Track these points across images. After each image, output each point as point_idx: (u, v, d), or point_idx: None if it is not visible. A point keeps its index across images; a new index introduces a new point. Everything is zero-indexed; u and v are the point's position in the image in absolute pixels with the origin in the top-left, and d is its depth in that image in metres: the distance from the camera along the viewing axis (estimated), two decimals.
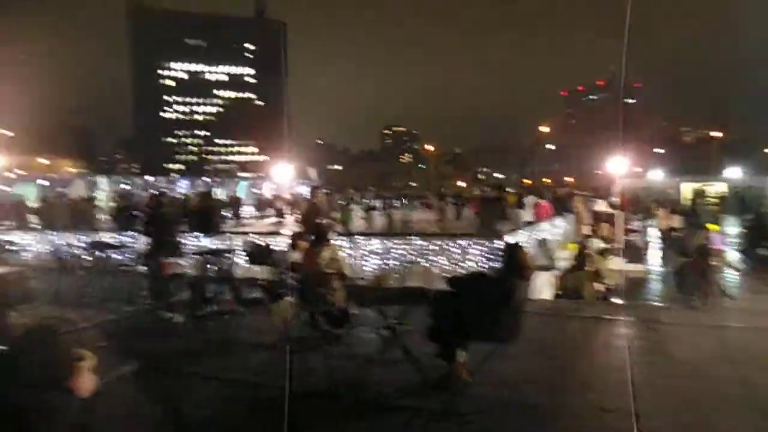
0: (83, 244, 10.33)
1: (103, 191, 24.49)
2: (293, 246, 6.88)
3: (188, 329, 6.58)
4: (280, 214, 17.57)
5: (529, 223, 10.47)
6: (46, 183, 22.46)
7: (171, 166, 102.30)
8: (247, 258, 8.96)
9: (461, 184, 78.95)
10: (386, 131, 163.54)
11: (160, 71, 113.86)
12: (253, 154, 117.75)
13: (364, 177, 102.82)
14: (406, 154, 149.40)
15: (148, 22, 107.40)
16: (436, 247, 8.25)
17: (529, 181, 74.10)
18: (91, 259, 9.43)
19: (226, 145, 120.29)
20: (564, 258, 10.43)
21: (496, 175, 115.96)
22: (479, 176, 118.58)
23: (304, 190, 39.96)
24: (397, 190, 67.24)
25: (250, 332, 5.93)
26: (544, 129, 77.05)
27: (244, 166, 72.75)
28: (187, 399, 4.09)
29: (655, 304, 8.45)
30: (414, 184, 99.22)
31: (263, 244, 9.26)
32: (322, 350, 4.45)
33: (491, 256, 7.95)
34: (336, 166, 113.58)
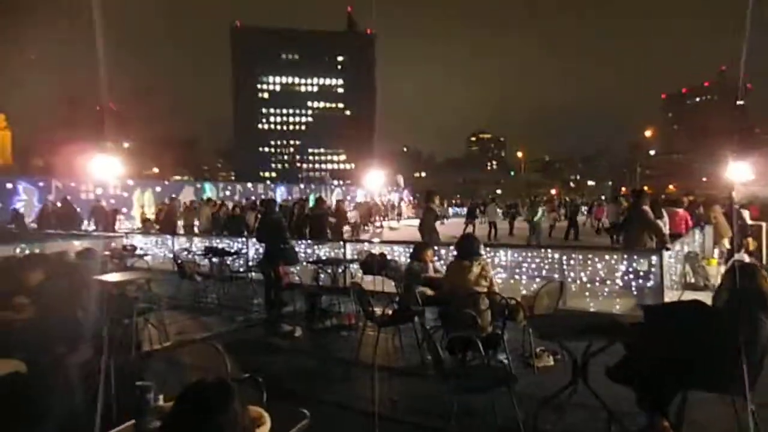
0: (199, 250, 10.43)
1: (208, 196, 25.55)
2: (417, 257, 6.28)
3: (313, 345, 6.16)
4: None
5: (672, 236, 9.16)
6: (159, 189, 23.71)
7: (266, 174, 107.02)
8: (361, 268, 8.54)
9: (552, 192, 75.37)
10: (472, 138, 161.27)
11: (258, 85, 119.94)
12: (342, 162, 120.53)
13: (450, 184, 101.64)
14: (492, 162, 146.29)
15: (248, 38, 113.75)
16: (573, 261, 7.31)
17: (625, 190, 69.32)
18: (206, 264, 9.46)
19: (316, 154, 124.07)
20: (712, 276, 9.02)
21: (589, 183, 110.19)
22: (571, 184, 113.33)
23: (395, 197, 39.94)
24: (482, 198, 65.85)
25: (383, 352, 5.37)
26: (647, 133, 71.75)
27: (334, 174, 74.27)
28: None
29: None
30: (500, 192, 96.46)
31: (377, 253, 8.77)
32: (473, 383, 3.73)
33: (641, 273, 6.90)
34: (422, 174, 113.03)
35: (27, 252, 8.70)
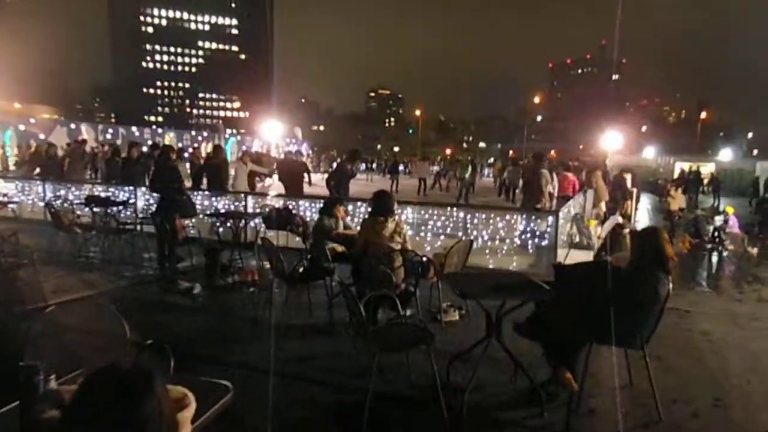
0: (78, 199, 9.35)
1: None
2: (329, 212, 6.08)
3: (215, 303, 5.81)
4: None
5: (562, 198, 9.80)
6: (23, 128, 20.92)
7: (151, 118, 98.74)
8: (264, 222, 8.18)
9: (447, 151, 77.95)
10: (371, 93, 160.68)
11: (140, 17, 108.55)
12: (236, 109, 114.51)
13: (349, 139, 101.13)
14: (391, 118, 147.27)
15: None
16: (477, 220, 7.54)
17: (513, 153, 73.63)
18: (89, 215, 8.51)
19: (208, 99, 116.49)
20: (596, 236, 9.82)
21: (481, 144, 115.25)
22: (464, 145, 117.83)
23: (293, 149, 38.86)
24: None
25: (291, 310, 5.18)
26: (536, 100, 76.08)
27: (227, 122, 70.37)
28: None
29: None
30: (397, 149, 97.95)
31: (282, 207, 8.44)
32: (394, 342, 3.70)
33: (538, 231, 7.31)
34: (320, 127, 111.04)
35: None
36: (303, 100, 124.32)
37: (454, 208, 7.73)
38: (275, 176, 12.18)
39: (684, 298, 6.23)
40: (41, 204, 9.98)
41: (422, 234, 7.76)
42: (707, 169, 34.22)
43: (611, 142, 34.70)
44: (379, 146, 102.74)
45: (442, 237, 7.64)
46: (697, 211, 15.29)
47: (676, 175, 27.21)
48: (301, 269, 5.29)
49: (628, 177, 13.08)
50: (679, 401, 3.59)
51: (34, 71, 64.72)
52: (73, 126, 23.34)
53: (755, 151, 63.26)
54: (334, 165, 14.28)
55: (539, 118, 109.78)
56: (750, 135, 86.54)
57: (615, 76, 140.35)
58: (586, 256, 8.46)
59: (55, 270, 6.59)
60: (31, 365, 1.75)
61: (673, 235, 11.77)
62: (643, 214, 17.26)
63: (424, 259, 5.05)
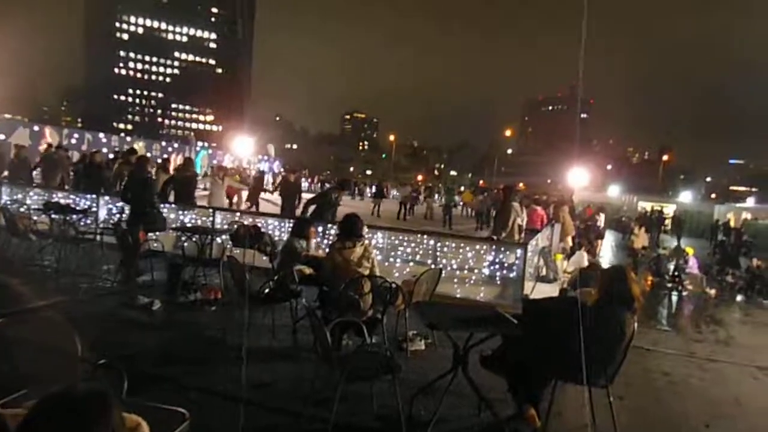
0: (36, 205, 8.98)
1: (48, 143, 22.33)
2: (300, 234, 5.99)
3: (175, 321, 5.59)
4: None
5: (531, 231, 9.94)
6: None
7: (120, 125, 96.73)
8: (231, 239, 8.01)
9: (419, 177, 78.73)
10: (347, 116, 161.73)
11: (116, 23, 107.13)
12: (209, 123, 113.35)
13: (322, 159, 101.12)
14: (365, 142, 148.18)
15: None
16: (447, 248, 7.56)
17: (483, 183, 74.92)
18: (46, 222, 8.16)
19: (181, 111, 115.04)
20: (562, 270, 9.96)
21: (452, 173, 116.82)
22: (436, 172, 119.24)
23: (265, 167, 38.58)
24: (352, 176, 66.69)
25: (254, 331, 5.03)
26: (507, 133, 77.90)
27: (200, 134, 69.45)
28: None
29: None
30: (370, 173, 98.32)
31: (251, 224, 8.28)
32: (359, 371, 3.62)
33: (506, 263, 7.36)
34: (293, 146, 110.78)
35: None
36: (277, 118, 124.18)
37: (425, 236, 7.73)
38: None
39: (645, 336, 6.34)
40: None
41: (391, 260, 7.72)
42: (669, 209, 35.48)
43: (578, 178, 35.80)
44: (351, 168, 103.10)
45: (411, 264, 7.62)
46: (659, 250, 15.77)
47: (638, 215, 28.12)
48: (266, 290, 5.16)
49: (602, 216, 13.39)
50: None
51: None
52: (36, 128, 22.54)
53: (713, 195, 66.10)
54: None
55: (510, 150, 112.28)
56: (708, 179, 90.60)
57: (583, 115, 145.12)
58: (552, 289, 8.56)
59: (5, 278, 6.26)
60: None
61: (636, 273, 12.07)
62: (607, 250, 17.68)
63: (393, 285, 5.00)
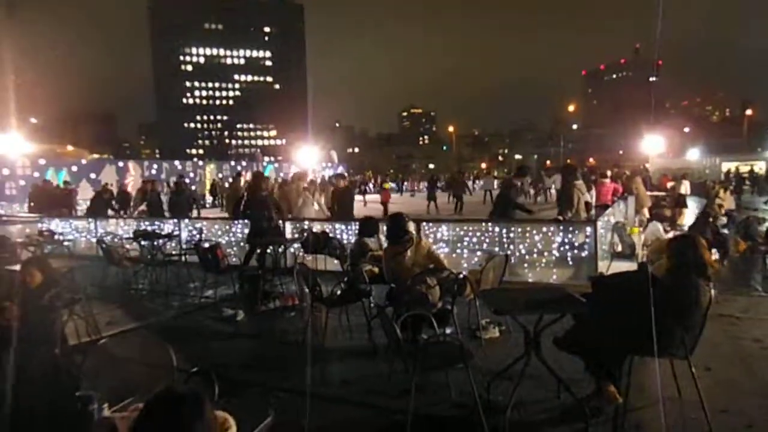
0: (128, 234, 9.80)
1: (132, 176, 24.12)
2: (367, 233, 6.18)
3: (258, 329, 5.95)
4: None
5: (601, 206, 9.60)
6: (75, 169, 22.08)
7: (192, 151, 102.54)
8: (302, 247, 8.35)
9: (483, 165, 77.47)
10: (404, 113, 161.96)
11: (180, 56, 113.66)
12: (273, 138, 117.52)
13: (384, 159, 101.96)
14: (424, 136, 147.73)
15: (167, 6, 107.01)
16: (513, 234, 7.48)
17: (549, 163, 72.35)
18: (136, 249, 8.89)
19: (245, 129, 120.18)
20: (637, 244, 9.52)
21: (517, 156, 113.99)
22: (500, 158, 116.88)
23: (329, 173, 39.46)
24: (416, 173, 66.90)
25: (331, 333, 5.26)
26: (570, 108, 74.97)
27: (265, 150, 72.23)
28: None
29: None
30: (433, 167, 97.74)
31: (319, 231, 8.60)
32: (432, 362, 3.71)
33: (576, 243, 7.18)
34: (355, 149, 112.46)
35: None
36: (337, 124, 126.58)
37: (489, 224, 7.69)
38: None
39: (734, 303, 5.98)
40: (93, 240, 10.48)
41: (458, 251, 7.75)
42: (759, 167, 32.81)
43: (652, 145, 33.85)
44: (414, 165, 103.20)
45: (479, 253, 7.61)
46: (748, 212, 14.66)
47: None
48: (339, 292, 5.37)
49: (686, 183, 12.58)
50: (731, 412, 3.45)
51: (87, 117, 68.60)
52: (121, 164, 24.51)
53: None
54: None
55: (575, 126, 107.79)
56: None
57: (652, 78, 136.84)
58: (630, 266, 8.23)
59: (107, 303, 6.90)
60: (86, 395, 1.88)
61: (724, 241, 11.31)
62: (690, 219, 16.65)
63: (461, 276, 5.05)
